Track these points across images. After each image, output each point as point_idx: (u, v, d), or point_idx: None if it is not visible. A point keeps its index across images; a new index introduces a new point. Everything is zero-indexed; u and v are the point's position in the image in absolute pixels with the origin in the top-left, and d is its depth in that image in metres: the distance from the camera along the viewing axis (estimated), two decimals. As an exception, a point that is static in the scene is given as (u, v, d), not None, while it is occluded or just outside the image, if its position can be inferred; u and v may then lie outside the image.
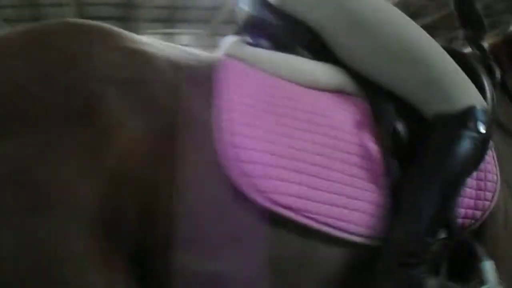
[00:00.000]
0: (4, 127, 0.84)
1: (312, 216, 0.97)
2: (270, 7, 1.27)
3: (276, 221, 0.95)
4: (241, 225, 0.95)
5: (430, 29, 7.29)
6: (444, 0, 11.88)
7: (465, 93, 1.18)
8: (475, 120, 1.14)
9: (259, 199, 0.93)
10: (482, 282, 1.09)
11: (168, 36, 17.14)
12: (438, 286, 1.09)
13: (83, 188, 0.84)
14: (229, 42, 1.24)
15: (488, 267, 1.12)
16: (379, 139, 1.10)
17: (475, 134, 1.13)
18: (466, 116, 1.14)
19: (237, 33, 1.31)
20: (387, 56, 1.20)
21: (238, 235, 0.95)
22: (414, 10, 14.03)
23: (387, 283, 1.05)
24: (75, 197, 0.84)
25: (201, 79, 1.02)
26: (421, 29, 1.27)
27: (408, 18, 1.29)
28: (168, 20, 16.25)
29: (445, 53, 1.24)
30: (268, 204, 0.93)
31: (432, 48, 1.24)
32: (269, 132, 0.98)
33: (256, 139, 0.95)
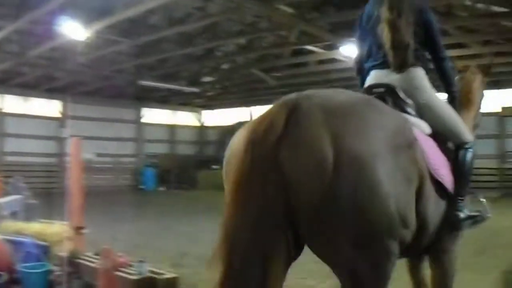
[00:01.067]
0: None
1: (449, 187, 2.99)
2: (396, 94, 3.21)
3: (445, 189, 2.93)
4: (439, 193, 2.85)
5: (191, 37, 9.86)
6: (210, 10, 13.10)
7: (466, 132, 3.44)
8: (472, 144, 3.40)
9: (446, 184, 2.92)
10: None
11: None
12: (471, 207, 3.31)
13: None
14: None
15: (485, 202, 3.68)
16: (447, 155, 3.17)
17: (472, 150, 3.37)
18: (469, 143, 3.37)
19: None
20: (439, 121, 3.32)
21: (438, 197, 2.86)
22: (179, 16, 15.06)
23: (456, 209, 3.10)
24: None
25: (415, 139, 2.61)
26: (446, 102, 3.55)
27: (443, 100, 3.56)
28: None
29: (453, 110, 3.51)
30: (447, 185, 2.94)
31: (452, 111, 3.47)
32: (441, 163, 2.94)
33: (441, 169, 2.89)
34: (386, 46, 3.30)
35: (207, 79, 23.64)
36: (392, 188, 2.18)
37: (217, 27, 16.90)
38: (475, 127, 4.15)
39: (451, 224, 3.09)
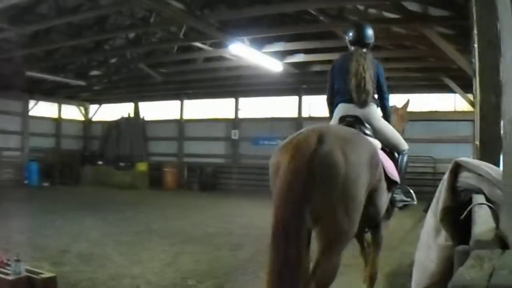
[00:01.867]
0: None
1: (395, 178, 4.90)
2: (361, 122, 5.24)
3: (393, 183, 4.94)
4: (388, 187, 4.76)
5: (81, 28, 10.91)
6: (100, 2, 13.31)
7: (403, 143, 5.65)
8: (407, 151, 5.67)
9: (393, 178, 4.83)
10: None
11: None
12: (404, 189, 5.42)
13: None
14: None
15: (412, 193, 5.69)
16: (393, 159, 5.27)
17: (408, 154, 5.66)
18: (406, 150, 5.61)
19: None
20: (389, 139, 5.46)
21: (387, 189, 4.77)
22: (69, 6, 15.10)
23: (395, 193, 5.18)
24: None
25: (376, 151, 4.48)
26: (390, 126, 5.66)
27: (389, 125, 5.68)
28: None
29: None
30: (394, 178, 4.85)
31: (394, 131, 5.65)
32: (391, 166, 4.94)
33: (392, 171, 4.89)
34: (353, 90, 5.22)
35: (94, 72, 23.48)
36: (365, 182, 3.91)
37: (107, 20, 16.98)
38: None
39: (392, 204, 5.14)
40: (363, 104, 5.23)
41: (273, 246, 3.52)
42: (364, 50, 5.53)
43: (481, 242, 1.44)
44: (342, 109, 5.36)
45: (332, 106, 5.62)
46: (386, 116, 5.60)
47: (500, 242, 1.44)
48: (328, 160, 3.63)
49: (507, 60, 1.41)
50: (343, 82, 5.34)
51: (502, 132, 1.41)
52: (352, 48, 5.65)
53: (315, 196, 3.60)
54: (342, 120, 5.23)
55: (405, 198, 5.37)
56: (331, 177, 3.64)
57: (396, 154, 5.47)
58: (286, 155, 3.68)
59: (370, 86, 5.23)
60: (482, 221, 1.71)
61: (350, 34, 5.71)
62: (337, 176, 3.64)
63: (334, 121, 5.40)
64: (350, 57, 5.44)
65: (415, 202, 5.59)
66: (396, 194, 5.17)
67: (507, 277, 1.15)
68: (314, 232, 3.81)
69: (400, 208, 5.43)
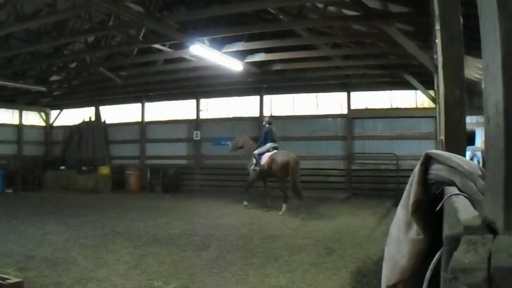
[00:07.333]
0: None
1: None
2: (278, 147, 17.41)
3: None
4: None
5: (40, 34, 11.44)
6: (59, 7, 13.35)
7: None
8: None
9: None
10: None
11: None
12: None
13: None
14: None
15: None
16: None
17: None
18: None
19: None
20: None
21: None
22: (28, 12, 15.06)
23: None
24: None
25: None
26: None
27: None
28: None
29: None
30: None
31: None
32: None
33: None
34: (275, 138, 16.83)
35: (55, 78, 23.28)
36: None
37: (66, 25, 16.91)
38: None
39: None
40: (276, 142, 16.36)
41: (293, 180, 15.13)
42: (272, 125, 16.91)
43: (470, 228, 1.38)
44: (271, 144, 16.18)
45: (263, 143, 16.45)
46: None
47: (488, 228, 1.39)
48: (297, 161, 15.17)
49: (491, 43, 1.32)
50: (270, 135, 16.41)
51: (484, 116, 1.39)
52: (268, 125, 16.77)
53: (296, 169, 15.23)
54: (274, 148, 16.22)
55: None
56: (296, 167, 15.20)
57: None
58: (287, 159, 15.29)
59: (276, 137, 16.46)
60: (465, 209, 1.64)
61: (268, 120, 17.02)
62: (298, 166, 15.35)
63: (269, 146, 16.26)
64: (271, 128, 16.73)
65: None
66: None
67: (508, 260, 1.13)
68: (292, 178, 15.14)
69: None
